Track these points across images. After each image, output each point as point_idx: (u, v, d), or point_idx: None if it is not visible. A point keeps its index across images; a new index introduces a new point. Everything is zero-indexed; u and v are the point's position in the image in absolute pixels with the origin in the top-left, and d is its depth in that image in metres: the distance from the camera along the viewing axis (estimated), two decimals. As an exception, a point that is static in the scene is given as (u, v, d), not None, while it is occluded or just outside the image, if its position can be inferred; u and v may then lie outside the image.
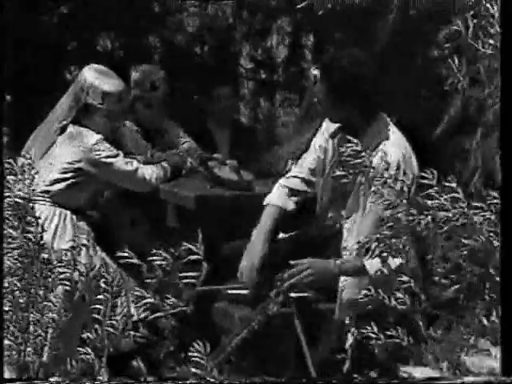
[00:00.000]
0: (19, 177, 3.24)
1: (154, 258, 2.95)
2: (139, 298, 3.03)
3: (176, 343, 3.24)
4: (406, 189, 3.19)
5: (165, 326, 3.15)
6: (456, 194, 3.07)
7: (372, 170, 3.17)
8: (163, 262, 2.95)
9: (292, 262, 3.70)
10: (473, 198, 3.03)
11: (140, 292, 3.01)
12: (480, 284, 3.00)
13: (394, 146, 3.74)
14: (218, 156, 4.64)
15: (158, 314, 3.02)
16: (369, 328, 3.06)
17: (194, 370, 2.89)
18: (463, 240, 3.05)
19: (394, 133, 3.81)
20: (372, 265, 3.60)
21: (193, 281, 2.93)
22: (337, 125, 3.94)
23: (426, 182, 3.07)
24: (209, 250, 3.22)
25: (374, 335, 3.06)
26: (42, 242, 3.22)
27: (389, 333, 3.00)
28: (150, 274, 2.98)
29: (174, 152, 4.63)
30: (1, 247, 3.14)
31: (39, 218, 3.31)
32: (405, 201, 3.10)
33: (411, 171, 3.68)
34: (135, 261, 3.01)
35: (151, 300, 2.98)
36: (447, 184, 3.07)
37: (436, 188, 3.06)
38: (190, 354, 2.87)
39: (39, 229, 3.24)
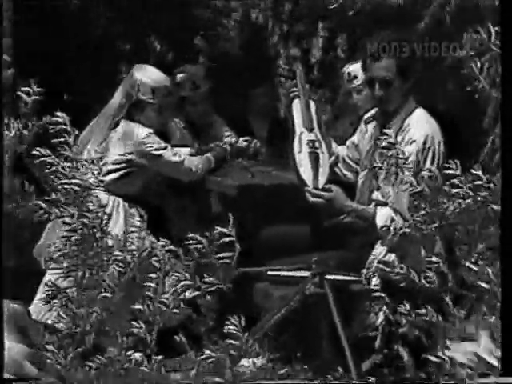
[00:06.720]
0: (90, 167, 3.27)
1: (190, 241, 2.98)
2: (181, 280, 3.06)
3: (217, 320, 3.23)
4: (430, 168, 3.20)
5: (207, 305, 3.14)
6: (480, 182, 3.07)
7: (404, 160, 3.18)
8: (199, 246, 2.98)
9: (326, 186, 3.78)
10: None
11: (182, 274, 3.05)
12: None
13: (420, 125, 3.73)
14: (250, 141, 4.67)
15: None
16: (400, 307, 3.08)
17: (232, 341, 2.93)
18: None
19: (421, 114, 3.80)
20: (381, 217, 3.70)
21: (227, 261, 2.94)
22: (371, 112, 3.95)
23: (450, 172, 3.08)
24: (249, 234, 3.23)
25: (405, 313, 3.08)
26: (104, 228, 3.25)
27: (419, 311, 3.04)
28: (188, 257, 3.01)
29: (218, 144, 4.64)
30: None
31: (105, 205, 3.35)
32: (430, 185, 3.10)
33: (437, 152, 3.69)
34: (172, 247, 3.05)
35: (190, 282, 3.02)
36: (473, 172, 3.06)
37: (461, 178, 3.06)
38: (226, 327, 2.90)
39: (104, 216, 3.28)
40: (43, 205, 3.20)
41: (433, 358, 2.91)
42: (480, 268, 3.00)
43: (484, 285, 2.97)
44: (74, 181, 3.24)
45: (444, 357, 2.89)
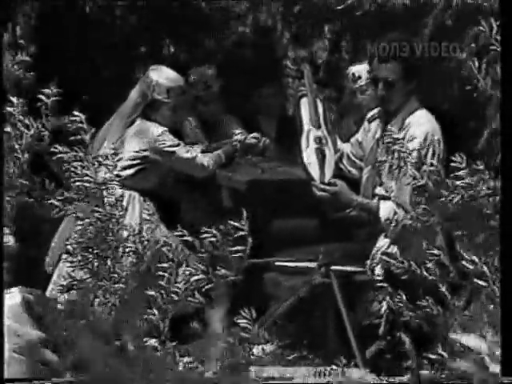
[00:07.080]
0: (105, 163, 3.34)
1: (206, 235, 3.06)
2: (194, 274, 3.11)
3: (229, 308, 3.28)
4: (432, 162, 3.25)
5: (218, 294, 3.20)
6: (483, 175, 3.11)
7: (408, 155, 3.25)
8: (213, 239, 3.05)
9: (331, 180, 3.85)
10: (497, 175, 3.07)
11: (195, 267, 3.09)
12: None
13: (420, 123, 3.79)
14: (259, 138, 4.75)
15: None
16: (401, 297, 3.15)
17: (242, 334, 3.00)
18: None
19: (422, 112, 3.86)
20: (385, 210, 3.75)
21: (240, 254, 3.02)
22: (374, 111, 4.01)
23: (455, 165, 3.13)
24: (259, 227, 3.26)
25: (406, 304, 3.15)
26: (120, 220, 3.31)
27: (420, 303, 3.09)
28: (203, 249, 3.08)
29: (228, 141, 4.73)
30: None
31: (121, 199, 3.43)
32: (432, 179, 3.16)
33: (437, 149, 3.75)
34: (189, 238, 3.11)
35: (203, 276, 3.07)
36: (476, 167, 3.11)
37: (465, 170, 3.11)
38: (238, 320, 2.97)
39: (120, 209, 3.34)
40: (57, 203, 3.27)
41: (433, 356, 2.98)
42: (477, 265, 3.02)
43: (481, 282, 3.00)
44: (86, 178, 3.30)
45: (443, 353, 2.95)
